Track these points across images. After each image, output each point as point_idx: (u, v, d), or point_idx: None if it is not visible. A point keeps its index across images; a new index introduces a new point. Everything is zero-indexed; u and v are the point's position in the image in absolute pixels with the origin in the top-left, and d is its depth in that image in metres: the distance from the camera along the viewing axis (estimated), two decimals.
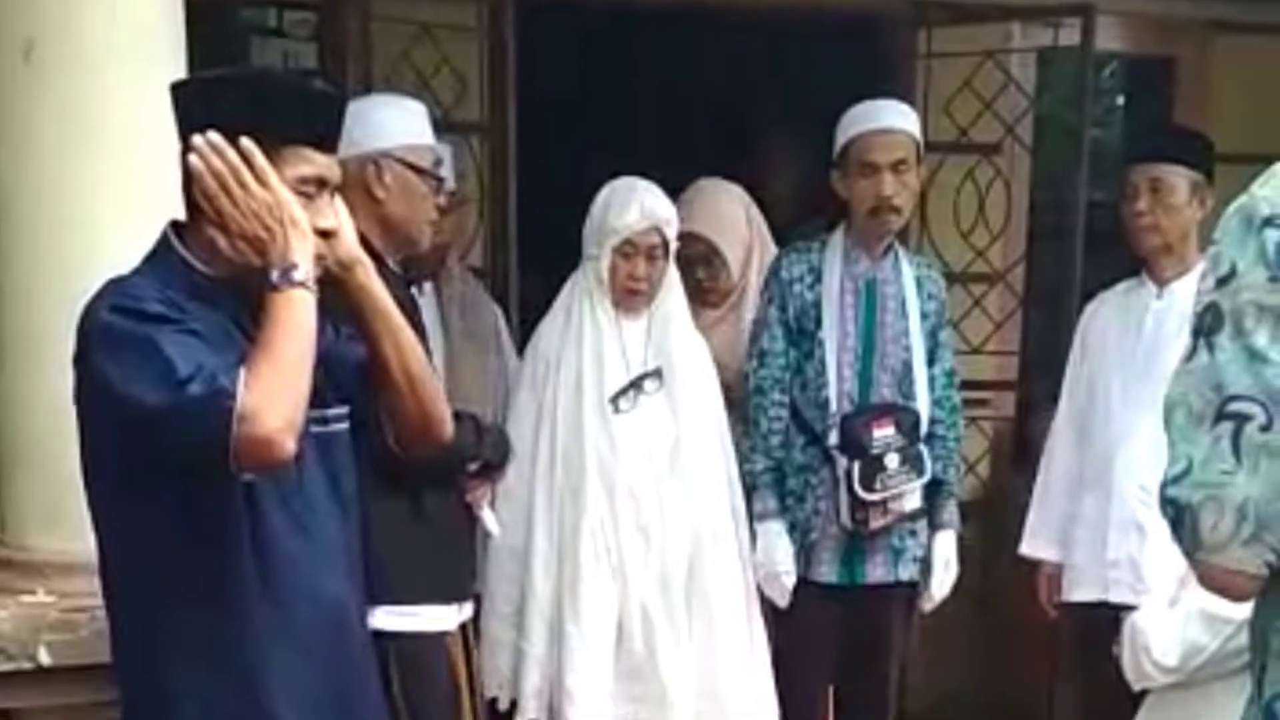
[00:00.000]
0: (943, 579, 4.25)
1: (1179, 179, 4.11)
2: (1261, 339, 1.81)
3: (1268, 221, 1.83)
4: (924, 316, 4.22)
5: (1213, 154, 4.21)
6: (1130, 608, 4.01)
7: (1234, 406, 1.81)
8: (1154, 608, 3.63)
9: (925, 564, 4.24)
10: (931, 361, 4.25)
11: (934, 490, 4.23)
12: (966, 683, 5.49)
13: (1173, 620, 3.49)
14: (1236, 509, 1.81)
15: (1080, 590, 4.30)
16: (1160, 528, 4.11)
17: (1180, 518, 1.85)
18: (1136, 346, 4.17)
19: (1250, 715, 1.96)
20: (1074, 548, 4.33)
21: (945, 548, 4.25)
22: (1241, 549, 1.82)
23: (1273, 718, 1.91)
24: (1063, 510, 4.38)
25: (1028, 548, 4.47)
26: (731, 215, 4.53)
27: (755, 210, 4.62)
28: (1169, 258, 4.15)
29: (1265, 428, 1.80)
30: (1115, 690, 3.79)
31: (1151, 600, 3.71)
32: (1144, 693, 3.60)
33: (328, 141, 2.52)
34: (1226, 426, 1.81)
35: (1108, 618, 4.10)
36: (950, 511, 4.28)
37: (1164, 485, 1.86)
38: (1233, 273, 1.84)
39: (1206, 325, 1.85)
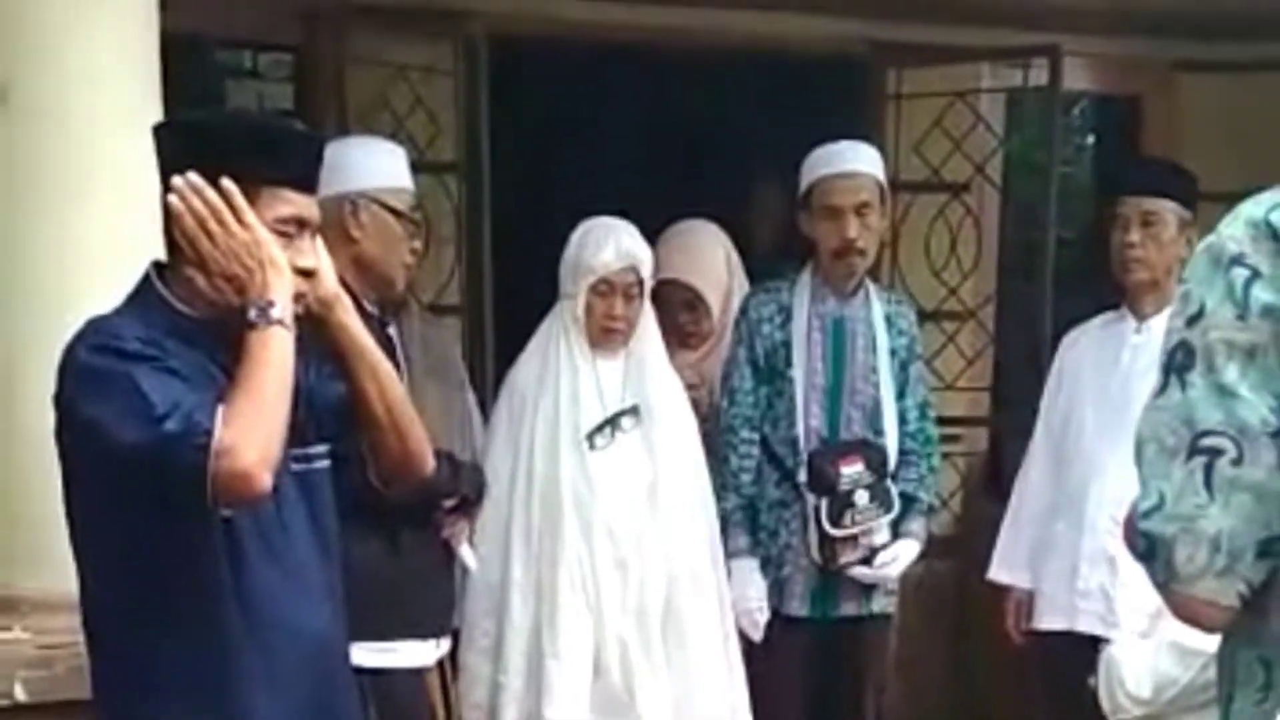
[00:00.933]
0: (885, 565, 4.20)
1: (1169, 214, 4.12)
2: (1231, 375, 1.83)
3: (1235, 260, 1.86)
4: (893, 353, 4.25)
5: (1196, 188, 4.22)
6: (1099, 639, 4.06)
7: (1206, 441, 1.83)
8: (1128, 640, 3.66)
9: (895, 598, 4.23)
10: (903, 395, 4.28)
11: (905, 506, 4.24)
12: (941, 713, 5.51)
13: (1146, 652, 3.53)
14: (1210, 541, 1.83)
15: (1049, 619, 4.32)
16: (1130, 560, 4.16)
17: (1153, 550, 1.87)
18: (1112, 379, 4.18)
19: None
20: (1044, 576, 4.35)
21: (903, 548, 4.23)
22: (1215, 580, 1.84)
23: None
24: (1033, 537, 4.40)
25: (996, 573, 4.48)
26: (712, 259, 4.58)
27: (733, 250, 4.66)
28: (1153, 292, 4.15)
29: (1236, 462, 1.82)
30: (1075, 715, 3.83)
31: (1126, 632, 3.75)
32: None
33: (307, 182, 2.54)
34: (1199, 461, 1.83)
35: (1075, 647, 4.14)
36: (915, 521, 4.29)
37: (1136, 519, 1.88)
38: (1201, 311, 1.87)
39: (1178, 362, 1.87)
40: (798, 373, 4.17)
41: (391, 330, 3.53)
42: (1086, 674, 4.00)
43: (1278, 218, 1.88)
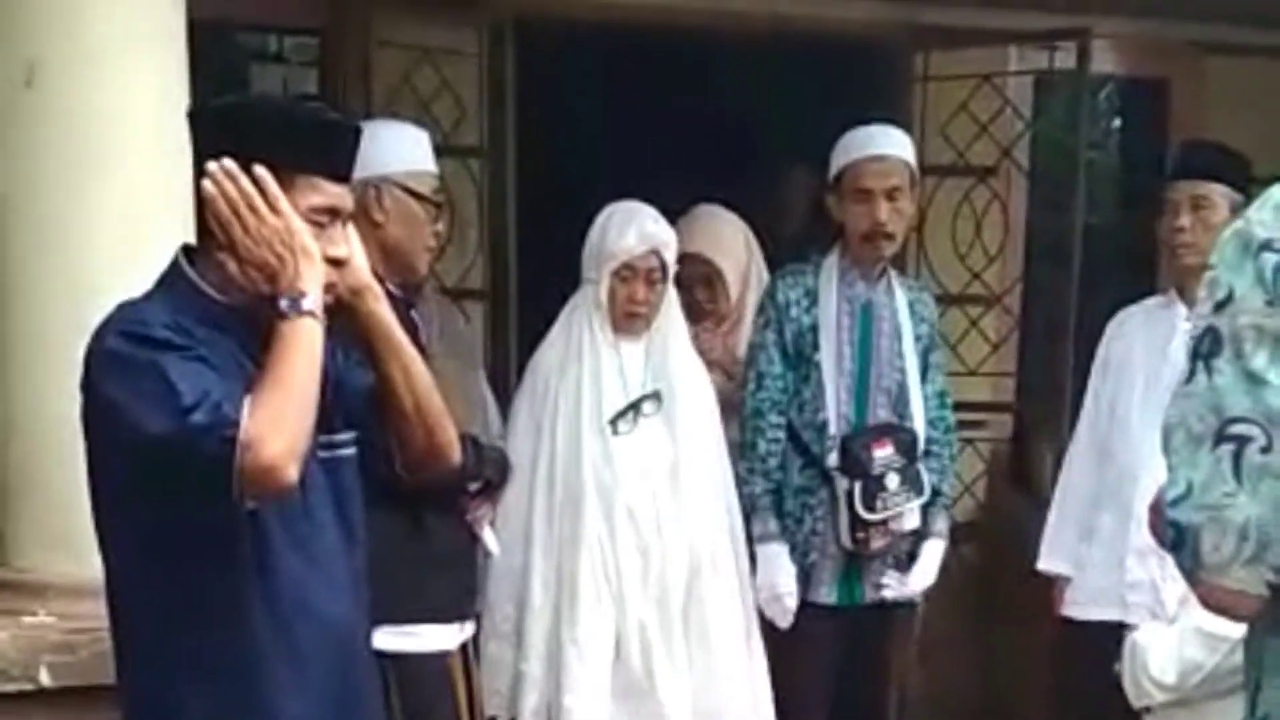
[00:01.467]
0: (920, 579, 4.24)
1: (1220, 198, 4.05)
2: (1260, 361, 1.84)
3: (1264, 246, 1.86)
4: (917, 338, 4.24)
5: (1249, 171, 4.14)
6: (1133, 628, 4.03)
7: (1234, 429, 1.83)
8: (1153, 626, 3.65)
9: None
10: (924, 382, 4.27)
11: (928, 501, 4.24)
12: (965, 701, 5.51)
13: (1171, 638, 3.51)
14: (1238, 530, 1.84)
15: (1095, 609, 4.26)
16: None
17: (1182, 539, 1.88)
18: (1163, 367, 4.04)
19: None
20: (1088, 566, 4.31)
21: (931, 554, 4.26)
22: (1243, 569, 1.86)
23: None
24: (1078, 526, 4.36)
25: (1045, 564, 4.43)
26: (731, 238, 4.58)
27: (752, 236, 4.66)
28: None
29: (1265, 449, 1.82)
30: (1116, 708, 3.81)
31: (1150, 619, 3.73)
32: (1145, 710, 3.61)
33: (342, 171, 2.53)
34: (1227, 449, 1.84)
35: (1116, 638, 4.10)
36: (941, 521, 4.29)
37: (1164, 507, 1.89)
38: (1230, 297, 1.87)
39: (1205, 349, 1.88)
40: (826, 357, 4.16)
41: (414, 313, 3.52)
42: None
43: None
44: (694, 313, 4.35)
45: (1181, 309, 4.12)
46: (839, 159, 4.20)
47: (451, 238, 4.64)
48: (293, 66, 5.42)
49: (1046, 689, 4.65)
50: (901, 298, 4.25)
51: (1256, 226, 1.88)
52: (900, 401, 4.21)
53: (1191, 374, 1.89)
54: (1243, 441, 1.84)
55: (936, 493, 4.27)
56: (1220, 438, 1.85)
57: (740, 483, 4.14)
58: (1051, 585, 4.45)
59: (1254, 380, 1.84)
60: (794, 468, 4.20)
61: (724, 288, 4.50)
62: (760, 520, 4.17)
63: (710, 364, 4.30)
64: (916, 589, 4.27)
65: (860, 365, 4.20)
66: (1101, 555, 4.26)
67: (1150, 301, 4.31)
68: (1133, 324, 4.32)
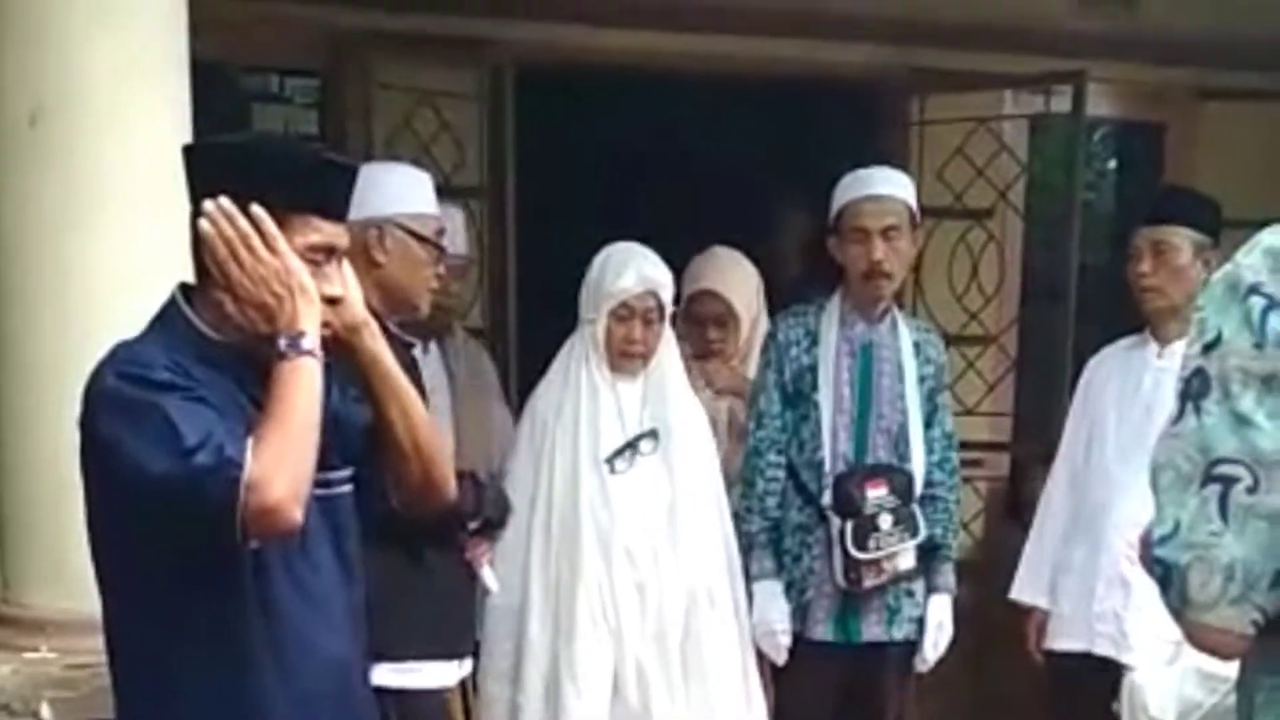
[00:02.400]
0: (936, 641, 4.26)
1: (1182, 240, 4.09)
2: (1247, 403, 1.84)
3: (1252, 290, 1.87)
4: (921, 380, 4.25)
5: (1218, 215, 4.19)
6: (1111, 661, 4.07)
7: (1221, 469, 1.84)
8: (1152, 665, 3.66)
9: (921, 624, 4.26)
10: (930, 424, 4.27)
11: (931, 554, 4.26)
12: None
13: (1170, 678, 3.53)
14: (1224, 569, 1.84)
15: (1064, 640, 4.33)
16: (1146, 584, 4.15)
17: (1169, 577, 1.89)
18: (1134, 403, 4.18)
19: None
20: (1061, 597, 4.36)
21: (940, 611, 4.27)
22: (1229, 608, 1.86)
23: None
24: (1053, 559, 4.41)
25: (1017, 593, 4.48)
26: (745, 279, 4.61)
27: (760, 281, 4.69)
28: (1173, 319, 4.10)
29: (1252, 489, 1.83)
30: None
31: (1149, 658, 3.74)
32: None
33: (338, 210, 2.53)
34: (1214, 489, 1.84)
35: (1091, 668, 4.15)
36: (946, 575, 4.29)
37: (1152, 546, 1.90)
38: (1218, 339, 1.88)
39: (1194, 390, 1.88)
40: (824, 397, 4.18)
41: (418, 353, 3.54)
42: (1101, 696, 4.01)
43: None
44: (701, 351, 4.40)
45: (1154, 347, 4.22)
46: (838, 200, 4.23)
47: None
48: (294, 107, 5.45)
49: None
50: (906, 338, 4.25)
51: (1245, 270, 1.89)
52: (901, 442, 4.21)
53: (1180, 414, 1.89)
54: (1229, 482, 1.84)
55: (939, 545, 4.27)
56: (1207, 478, 1.85)
57: (739, 520, 4.16)
58: (1027, 617, 4.49)
59: (1241, 421, 1.84)
60: (793, 506, 4.21)
61: (735, 327, 4.54)
62: (757, 559, 4.18)
63: (720, 393, 4.36)
64: (932, 659, 4.27)
65: (860, 405, 4.21)
66: (1074, 587, 4.31)
67: (1124, 341, 4.38)
68: (1108, 364, 4.39)
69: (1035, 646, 4.46)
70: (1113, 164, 7.79)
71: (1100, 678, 4.12)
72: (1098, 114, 6.13)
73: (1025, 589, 4.48)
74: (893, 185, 4.25)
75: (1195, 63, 5.99)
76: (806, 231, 5.71)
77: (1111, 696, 3.93)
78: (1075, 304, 5.49)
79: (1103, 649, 4.18)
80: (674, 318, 4.07)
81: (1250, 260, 1.90)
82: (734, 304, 4.53)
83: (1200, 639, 1.92)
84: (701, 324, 4.45)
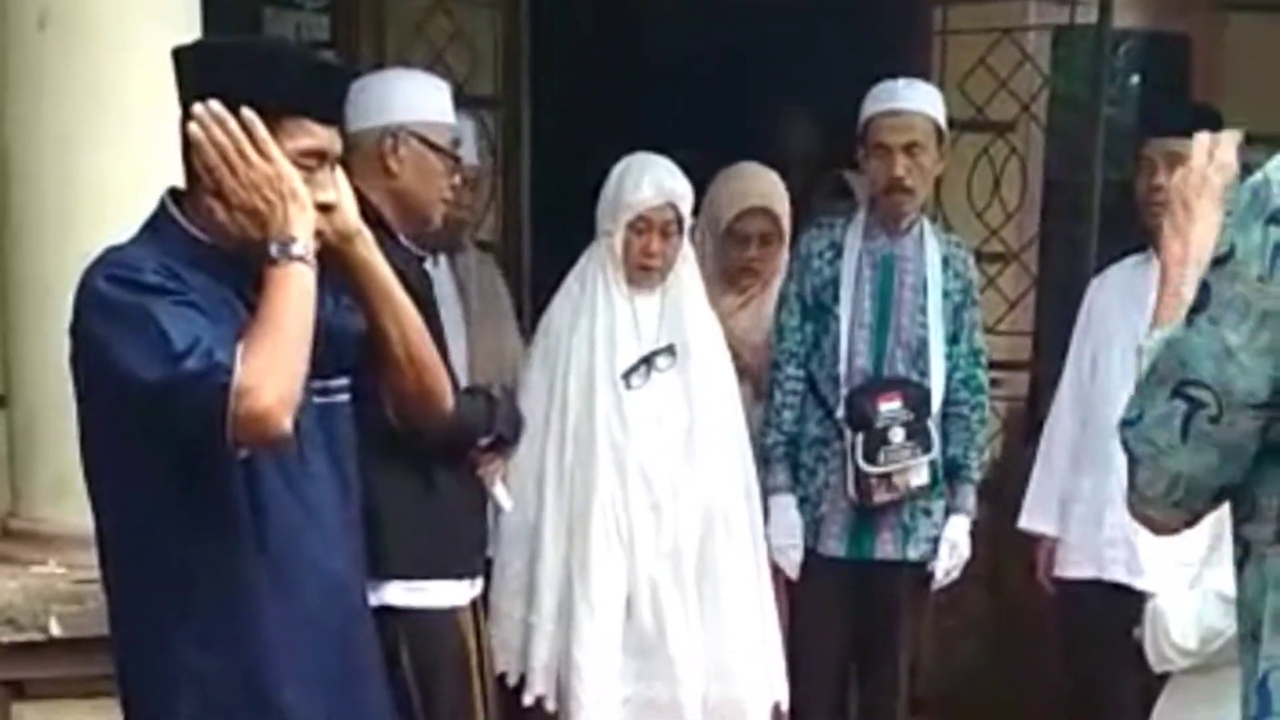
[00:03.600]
0: (947, 562, 4.24)
1: None
2: (1235, 338, 1.83)
3: (1275, 217, 1.82)
4: (946, 294, 4.21)
5: (1220, 126, 4.14)
6: (1124, 586, 4.05)
7: (1191, 391, 1.87)
8: (1172, 590, 3.62)
9: (937, 544, 4.23)
10: (956, 339, 4.24)
11: (951, 474, 4.22)
12: (978, 660, 5.50)
13: (1191, 604, 3.49)
14: (1171, 478, 1.93)
15: (1074, 567, 4.33)
16: None
17: (1130, 456, 1.98)
18: (1139, 323, 4.11)
19: (1246, 690, 1.97)
20: (1070, 524, 4.36)
21: (955, 531, 4.25)
22: (1170, 509, 1.97)
23: (1265, 693, 1.92)
24: (1062, 486, 4.39)
25: (1026, 521, 4.49)
26: (782, 194, 4.52)
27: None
28: None
29: (1214, 419, 1.86)
30: (1117, 665, 3.82)
31: (1169, 583, 3.71)
32: (1166, 675, 3.60)
33: (331, 114, 2.51)
34: (1180, 405, 1.88)
35: (1103, 595, 4.14)
36: (966, 496, 4.27)
37: (1121, 422, 1.98)
38: (1230, 254, 1.85)
39: (1197, 300, 1.89)
40: (844, 309, 4.15)
41: (429, 266, 3.48)
42: (1115, 622, 3.98)
43: None
44: (741, 266, 4.36)
45: (1158, 266, 4.12)
46: (864, 112, 4.21)
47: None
48: (306, 13, 5.37)
49: (1058, 646, 4.66)
50: (934, 252, 4.22)
51: (1276, 188, 1.83)
52: (921, 357, 4.18)
53: (1185, 320, 1.91)
54: (1196, 405, 1.87)
55: (960, 466, 4.25)
56: (1177, 392, 1.89)
57: (757, 434, 4.12)
58: (1036, 544, 4.48)
59: (1225, 352, 1.84)
60: (811, 419, 4.21)
61: (779, 245, 4.46)
62: (772, 473, 4.19)
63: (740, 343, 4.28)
64: (941, 578, 4.27)
65: (880, 318, 4.18)
66: (1083, 512, 4.31)
67: (1129, 260, 4.33)
68: (1112, 283, 4.35)
69: (1045, 574, 4.45)
70: (1136, 78, 7.69)
71: (1113, 604, 4.11)
72: (1122, 25, 6.02)
73: (1034, 517, 4.48)
74: (918, 99, 4.20)
75: None
76: (827, 144, 5.66)
77: (1128, 622, 3.90)
78: (1098, 219, 5.42)
79: (1114, 574, 4.18)
80: (693, 231, 4.01)
81: None
82: (781, 220, 4.46)
83: (1138, 518, 2.03)
84: (746, 241, 4.39)
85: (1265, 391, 1.84)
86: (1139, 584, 4.05)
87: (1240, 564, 1.98)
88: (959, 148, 5.50)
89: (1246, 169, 2.09)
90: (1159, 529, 2.04)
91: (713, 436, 3.93)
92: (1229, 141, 2.20)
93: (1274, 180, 1.84)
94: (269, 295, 2.35)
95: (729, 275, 4.39)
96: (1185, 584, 3.57)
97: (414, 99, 3.46)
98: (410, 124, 3.40)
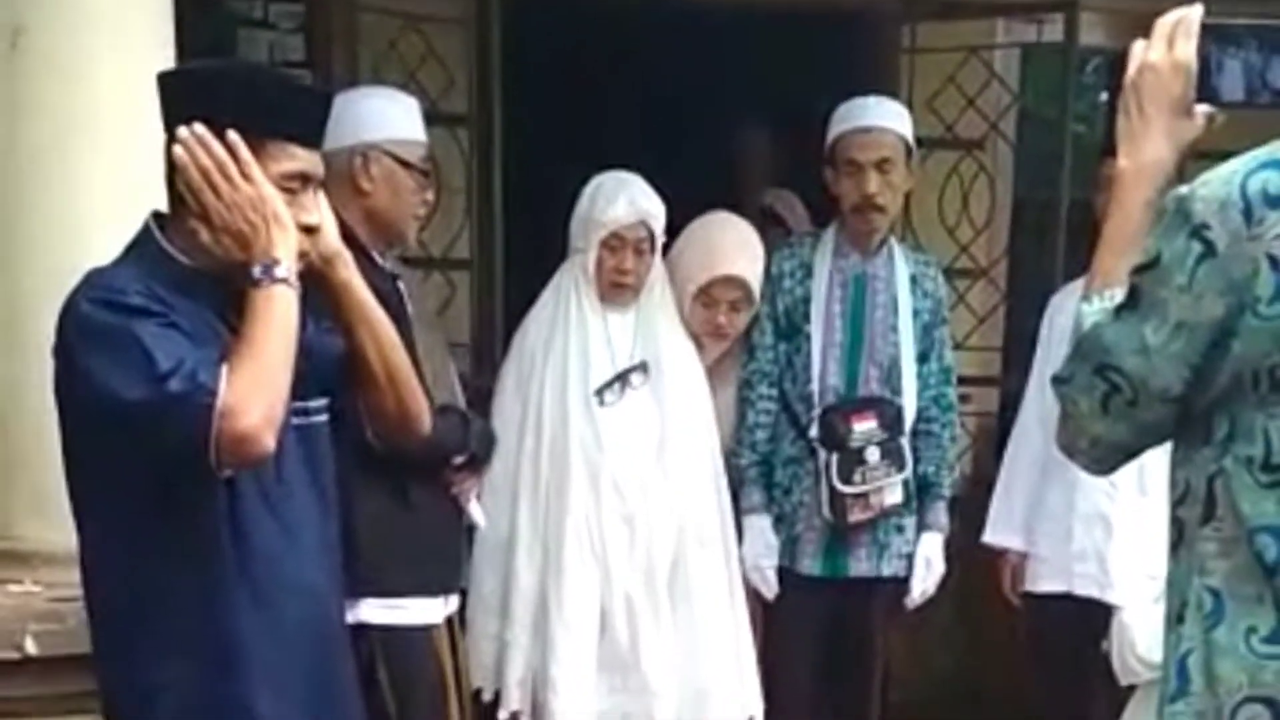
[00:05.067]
0: (924, 579, 4.26)
1: None
2: (1156, 337, 1.93)
3: (1196, 231, 1.91)
4: (916, 313, 4.22)
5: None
6: (1094, 601, 4.08)
7: (1112, 375, 1.98)
8: (1139, 604, 3.66)
9: (911, 561, 4.24)
10: (926, 358, 4.25)
11: (923, 490, 4.24)
12: (947, 672, 5.52)
13: (1157, 617, 3.52)
14: (1090, 438, 2.06)
15: (1044, 582, 4.35)
16: (1125, 522, 4.16)
17: (1061, 410, 2.09)
18: None
19: (1167, 669, 2.05)
20: (1038, 539, 4.38)
21: (929, 548, 4.26)
22: (1090, 462, 2.11)
23: (1183, 672, 2.01)
24: (1026, 500, 4.42)
25: (990, 536, 4.50)
26: (759, 255, 4.22)
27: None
28: None
29: (1131, 404, 1.99)
30: (1086, 679, 3.84)
31: (1136, 596, 3.74)
32: (1131, 687, 3.63)
33: (312, 137, 2.52)
34: (1101, 384, 2.00)
35: (1071, 609, 4.17)
36: (938, 513, 4.28)
37: (1053, 378, 2.08)
38: (1157, 260, 1.94)
39: (1126, 299, 1.98)
40: (815, 329, 4.16)
41: (401, 284, 3.50)
42: (1083, 637, 4.02)
43: (1256, 185, 1.89)
44: (709, 331, 4.14)
45: None
46: (832, 130, 4.21)
47: (438, 207, 4.62)
48: (280, 33, 5.39)
49: (1023, 664, 4.69)
50: (903, 270, 4.22)
51: (1198, 203, 1.91)
52: (893, 375, 4.19)
53: (1114, 311, 2.00)
54: (1114, 387, 1.98)
55: (932, 483, 4.26)
56: (1098, 369, 1.99)
57: (730, 454, 4.13)
58: (1001, 559, 4.51)
59: (1144, 349, 1.94)
60: (785, 439, 4.21)
61: (749, 309, 4.20)
62: (746, 493, 4.19)
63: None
64: (918, 596, 4.26)
65: (852, 338, 4.18)
66: (1050, 528, 4.33)
67: (1088, 278, 4.33)
68: (1072, 299, 4.33)
69: (1011, 589, 4.47)
70: (1104, 96, 7.74)
71: (1082, 617, 4.13)
72: (1090, 44, 6.07)
73: (998, 531, 4.50)
74: (887, 116, 4.22)
75: None
76: (793, 161, 5.67)
77: (1097, 635, 3.94)
78: (1066, 236, 5.46)
79: (1084, 589, 4.20)
80: (665, 248, 4.01)
81: (1203, 192, 1.92)
82: (753, 287, 4.17)
83: (1068, 459, 2.16)
84: (713, 306, 4.10)
85: (1178, 388, 1.95)
86: (1108, 598, 4.09)
87: (1174, 546, 2.04)
88: (928, 165, 5.54)
89: (1204, 59, 2.12)
90: (1087, 471, 2.18)
91: (686, 452, 3.95)
92: (1187, 31, 2.12)
93: (1198, 195, 1.92)
94: (253, 317, 2.37)
95: (695, 336, 4.12)
96: (1152, 597, 3.60)
97: (382, 117, 3.48)
98: (380, 142, 3.42)
